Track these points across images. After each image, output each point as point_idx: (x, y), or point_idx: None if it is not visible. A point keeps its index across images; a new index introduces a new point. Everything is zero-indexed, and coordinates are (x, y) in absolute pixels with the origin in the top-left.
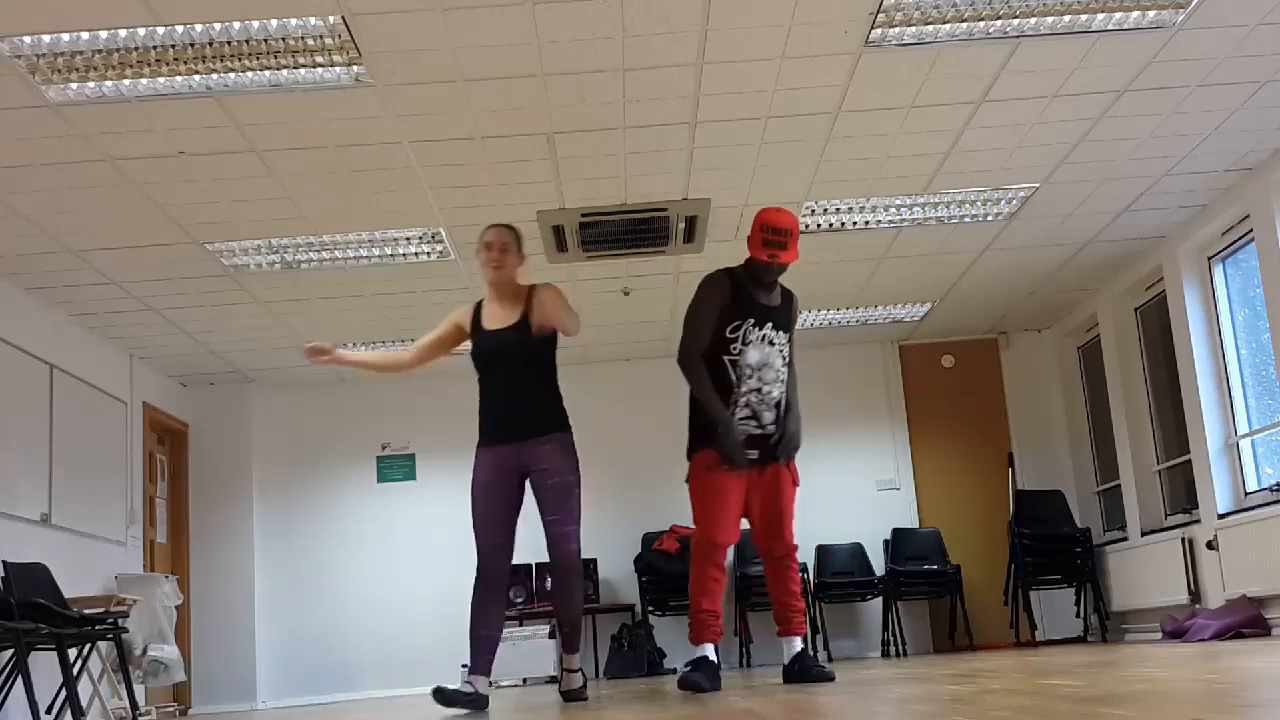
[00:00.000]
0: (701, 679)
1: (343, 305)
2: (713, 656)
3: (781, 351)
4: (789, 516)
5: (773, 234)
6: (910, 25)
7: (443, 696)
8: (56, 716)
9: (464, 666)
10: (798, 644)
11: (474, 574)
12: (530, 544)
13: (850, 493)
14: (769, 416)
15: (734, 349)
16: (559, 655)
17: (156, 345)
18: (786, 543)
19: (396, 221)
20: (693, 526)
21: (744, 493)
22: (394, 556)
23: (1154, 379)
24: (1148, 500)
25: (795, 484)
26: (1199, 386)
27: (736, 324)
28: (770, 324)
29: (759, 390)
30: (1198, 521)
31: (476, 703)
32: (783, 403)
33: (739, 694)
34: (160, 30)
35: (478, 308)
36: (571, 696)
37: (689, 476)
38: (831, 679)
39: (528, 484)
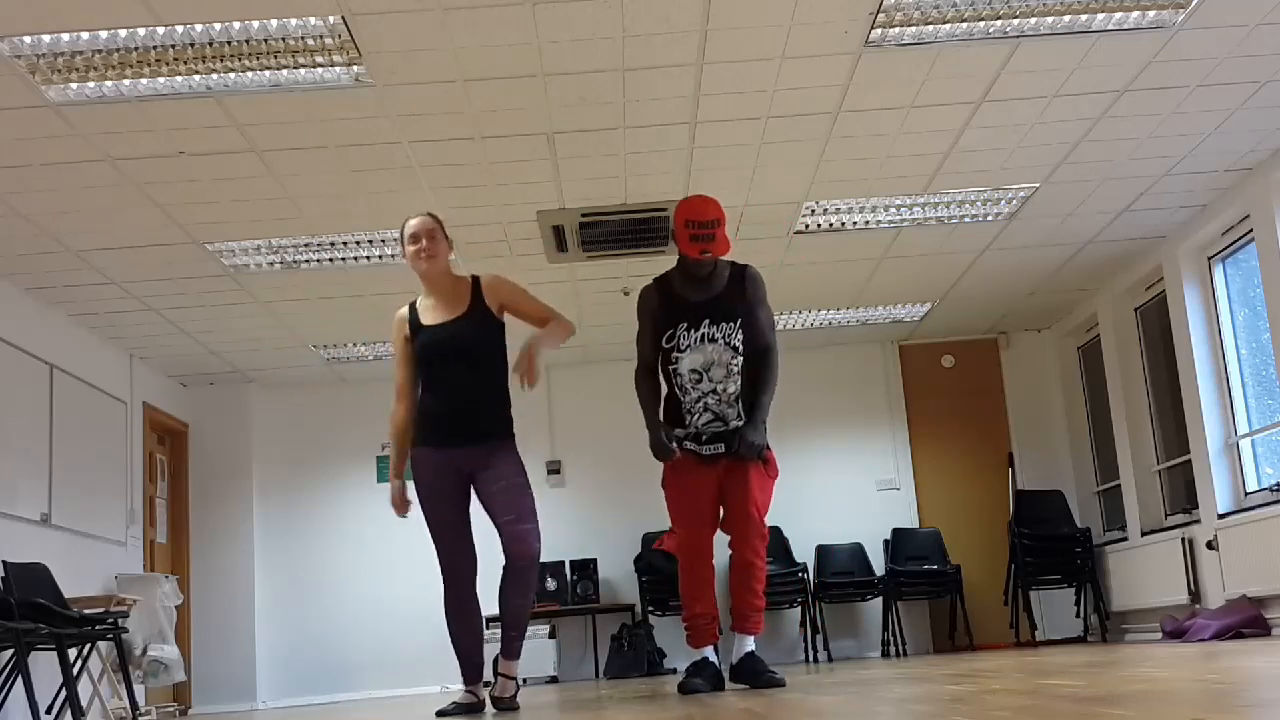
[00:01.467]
0: (700, 683)
1: (343, 305)
2: (713, 658)
3: (729, 343)
4: (754, 503)
5: (698, 228)
6: (910, 25)
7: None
8: (56, 716)
9: None
10: (749, 644)
11: (441, 581)
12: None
13: (850, 493)
14: (733, 413)
15: (673, 358)
16: (496, 659)
17: (156, 345)
18: (752, 532)
19: (396, 221)
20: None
21: (715, 486)
22: (394, 556)
23: (1154, 379)
24: (1148, 500)
25: (771, 476)
26: (1199, 386)
27: (669, 333)
28: (707, 319)
29: (714, 392)
30: (1198, 521)
31: (473, 707)
32: (739, 398)
33: (739, 694)
34: (160, 30)
35: (412, 309)
36: (503, 705)
37: (662, 480)
38: (782, 684)
39: (472, 485)
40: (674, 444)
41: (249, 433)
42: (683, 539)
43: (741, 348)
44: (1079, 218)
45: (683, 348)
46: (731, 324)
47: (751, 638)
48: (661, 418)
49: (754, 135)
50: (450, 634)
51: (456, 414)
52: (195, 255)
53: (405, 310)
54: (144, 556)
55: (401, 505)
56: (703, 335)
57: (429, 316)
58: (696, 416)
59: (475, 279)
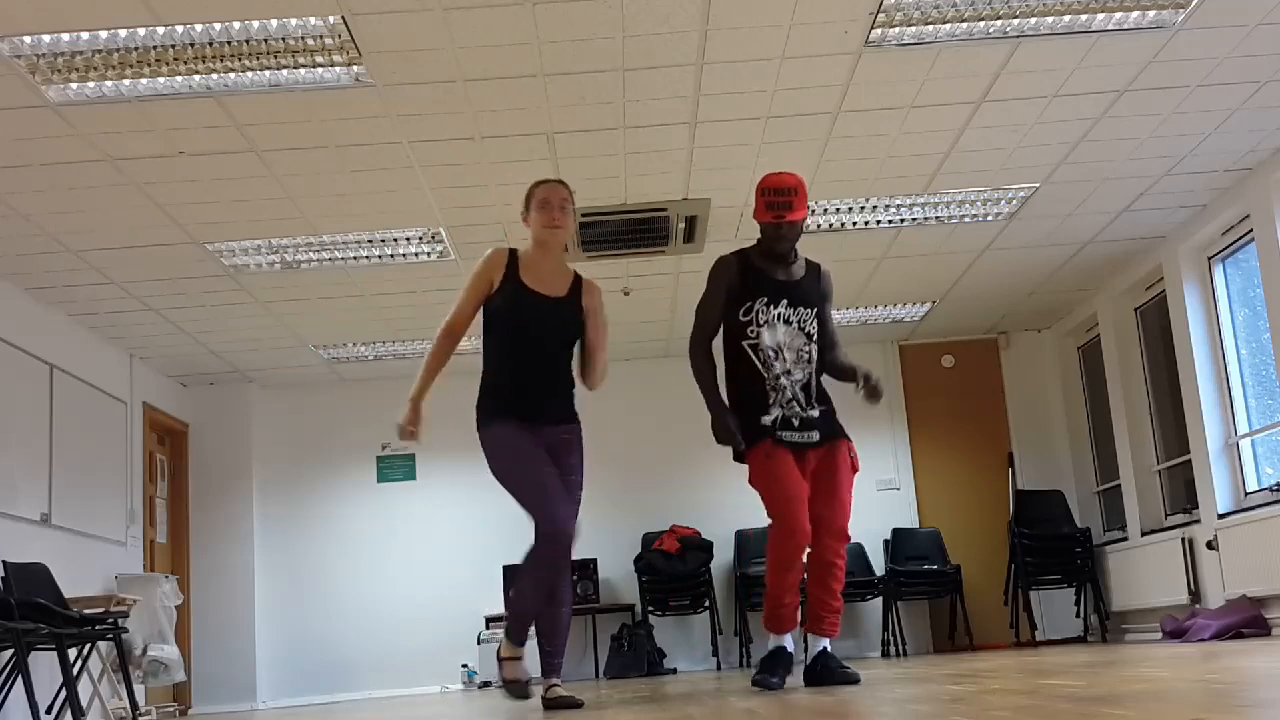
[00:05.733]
0: (776, 682)
1: (343, 305)
2: (790, 646)
3: (804, 329)
4: (842, 499)
5: (775, 195)
6: (910, 25)
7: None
8: (56, 717)
9: (463, 666)
10: (823, 644)
11: (535, 542)
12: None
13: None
14: (804, 398)
15: (750, 332)
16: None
17: (156, 345)
18: (837, 528)
19: (396, 221)
20: (693, 528)
21: (806, 474)
22: (394, 556)
23: (1154, 379)
24: (1148, 500)
25: (854, 469)
26: (1199, 386)
27: (748, 305)
28: (786, 300)
29: (787, 373)
30: (1198, 521)
31: (522, 688)
32: (812, 385)
33: (739, 694)
34: (160, 30)
35: (514, 257)
36: (566, 703)
37: (749, 476)
38: (856, 681)
39: None
40: (739, 435)
41: (249, 433)
42: (780, 526)
43: (815, 336)
44: (1079, 218)
45: (761, 322)
46: (808, 311)
47: (826, 640)
48: (733, 400)
49: (754, 135)
50: (523, 590)
51: (541, 396)
52: (195, 255)
53: (506, 252)
54: (144, 556)
55: (413, 427)
56: (780, 315)
57: (532, 279)
58: (782, 394)
59: (578, 275)
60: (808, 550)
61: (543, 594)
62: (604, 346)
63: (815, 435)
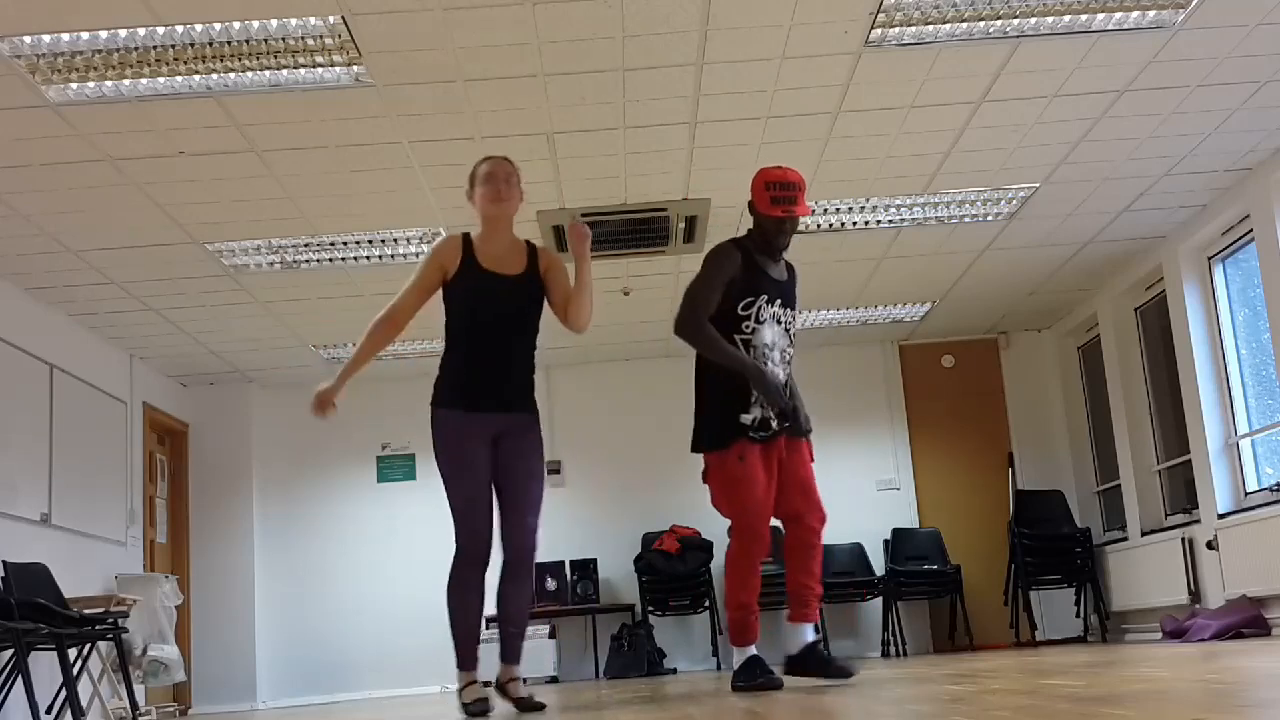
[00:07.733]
0: (758, 679)
1: (343, 305)
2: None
3: (788, 330)
4: (814, 486)
5: (781, 189)
6: (910, 25)
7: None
8: (56, 717)
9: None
10: (810, 633)
11: (455, 557)
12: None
13: (850, 493)
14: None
15: (746, 327)
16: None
17: (156, 345)
18: (817, 509)
19: (396, 221)
20: (693, 528)
21: (773, 470)
22: (394, 556)
23: (1154, 379)
24: (1148, 500)
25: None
26: (1199, 386)
27: (750, 300)
28: (779, 300)
29: (775, 373)
30: (1198, 521)
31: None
32: (791, 385)
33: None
34: (160, 30)
35: (467, 242)
36: (527, 705)
37: (709, 474)
38: (851, 674)
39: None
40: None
41: (249, 433)
42: (748, 530)
43: (793, 339)
44: (1079, 218)
45: (760, 319)
46: (793, 312)
47: (811, 626)
48: (711, 395)
49: (754, 135)
50: (453, 611)
51: (497, 380)
52: (195, 255)
53: (459, 237)
54: (144, 556)
55: (326, 406)
56: (774, 315)
57: (488, 260)
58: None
59: (530, 244)
60: (786, 537)
61: (472, 613)
62: (584, 286)
63: (782, 424)
